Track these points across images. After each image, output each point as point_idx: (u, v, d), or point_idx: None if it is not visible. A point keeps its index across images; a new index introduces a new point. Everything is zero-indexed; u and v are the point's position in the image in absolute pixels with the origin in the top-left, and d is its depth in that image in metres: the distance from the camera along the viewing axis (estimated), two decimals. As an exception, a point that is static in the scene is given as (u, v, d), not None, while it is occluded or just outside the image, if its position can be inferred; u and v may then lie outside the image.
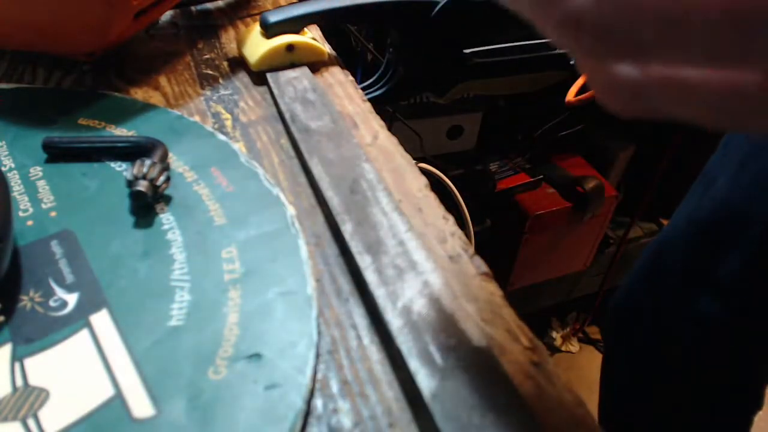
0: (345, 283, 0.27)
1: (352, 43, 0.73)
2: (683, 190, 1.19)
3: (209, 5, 0.50)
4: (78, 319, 0.24)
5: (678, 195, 1.17)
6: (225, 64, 0.43)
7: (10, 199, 0.26)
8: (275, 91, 0.38)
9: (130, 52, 0.43)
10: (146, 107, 0.37)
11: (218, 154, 0.33)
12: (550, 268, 1.12)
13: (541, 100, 0.82)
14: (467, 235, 0.49)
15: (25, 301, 0.25)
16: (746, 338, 0.55)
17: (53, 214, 0.29)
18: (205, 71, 0.42)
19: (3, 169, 0.31)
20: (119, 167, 0.32)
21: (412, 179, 0.33)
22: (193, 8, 0.50)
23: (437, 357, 0.22)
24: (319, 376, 0.23)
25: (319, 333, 0.25)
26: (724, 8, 0.12)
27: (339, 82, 0.41)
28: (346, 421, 0.22)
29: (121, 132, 0.34)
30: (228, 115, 0.37)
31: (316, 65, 0.42)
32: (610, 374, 0.72)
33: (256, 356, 0.23)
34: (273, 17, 0.40)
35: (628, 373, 0.65)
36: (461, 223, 0.58)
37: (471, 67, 0.50)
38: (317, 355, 0.24)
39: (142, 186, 0.28)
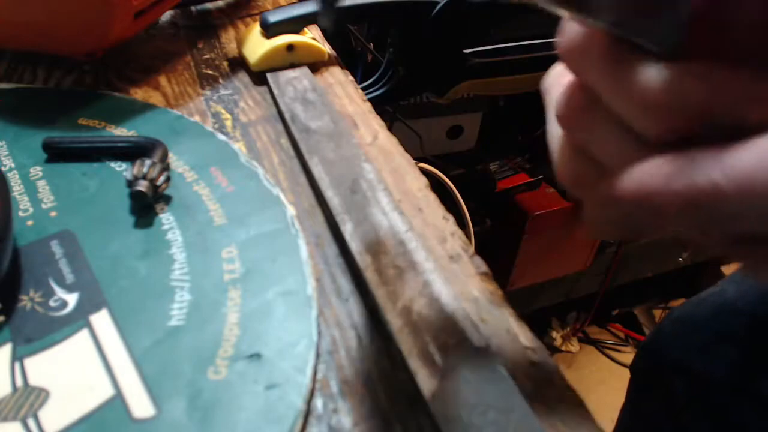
0: (345, 283, 0.27)
1: (352, 43, 0.73)
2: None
3: (209, 5, 0.50)
4: (78, 319, 0.24)
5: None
6: (225, 64, 0.43)
7: (10, 199, 0.26)
8: (275, 91, 0.38)
9: (130, 52, 0.43)
10: (146, 107, 0.37)
11: (218, 154, 0.33)
12: (550, 268, 1.12)
13: (541, 100, 0.82)
14: (467, 235, 0.49)
15: (25, 301, 0.25)
16: None
17: (53, 214, 0.29)
18: (205, 71, 0.42)
19: (3, 169, 0.31)
20: (119, 167, 0.32)
21: (412, 179, 0.33)
22: (193, 8, 0.50)
23: (437, 357, 0.22)
24: (319, 376, 0.23)
25: (319, 333, 0.25)
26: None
27: (339, 82, 0.41)
28: (346, 421, 0.22)
29: (121, 132, 0.34)
30: (228, 115, 0.37)
31: (316, 65, 0.42)
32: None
33: (256, 356, 0.23)
34: (273, 17, 0.40)
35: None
36: (461, 223, 0.57)
37: (471, 67, 0.50)
38: (317, 355, 0.24)
39: (142, 186, 0.28)
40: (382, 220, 0.28)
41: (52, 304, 0.25)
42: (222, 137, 0.34)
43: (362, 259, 0.26)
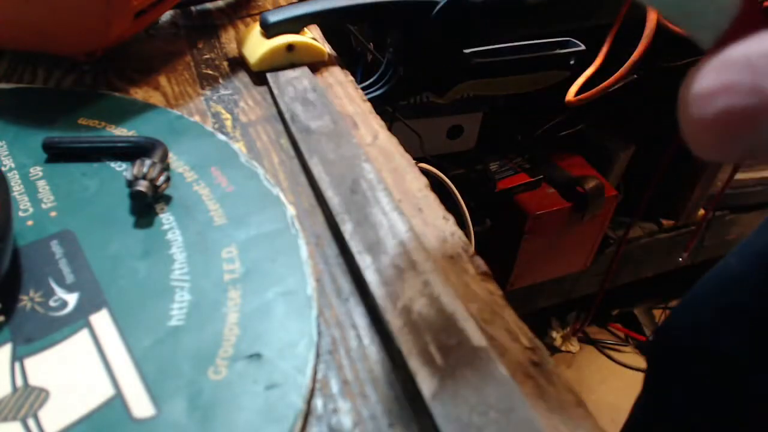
0: (345, 283, 0.27)
1: (352, 43, 0.73)
2: (683, 190, 1.19)
3: (209, 5, 0.50)
4: (78, 319, 0.24)
5: (678, 195, 1.17)
6: (225, 64, 0.43)
7: (10, 199, 0.26)
8: (275, 91, 0.38)
9: (130, 52, 0.43)
10: (146, 107, 0.37)
11: (218, 154, 0.33)
12: (550, 268, 1.12)
13: (541, 100, 0.82)
14: (467, 235, 0.49)
15: (25, 301, 0.25)
16: None
17: (53, 214, 0.29)
18: (205, 71, 0.42)
19: (3, 169, 0.31)
20: (119, 167, 0.32)
21: (412, 179, 0.33)
22: (193, 8, 0.50)
23: (437, 357, 0.22)
24: (319, 376, 0.23)
25: (319, 333, 0.25)
26: None
27: (339, 82, 0.41)
28: (346, 421, 0.22)
29: (121, 132, 0.34)
30: (228, 115, 0.37)
31: (316, 65, 0.42)
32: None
33: (256, 356, 0.23)
34: (273, 17, 0.40)
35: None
36: (461, 223, 0.57)
37: (471, 67, 0.50)
38: (317, 355, 0.24)
39: (142, 186, 0.28)
40: (382, 220, 0.29)
41: (52, 304, 0.25)
42: (222, 137, 0.34)
43: (362, 259, 0.26)
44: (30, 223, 0.28)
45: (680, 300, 0.60)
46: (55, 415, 0.21)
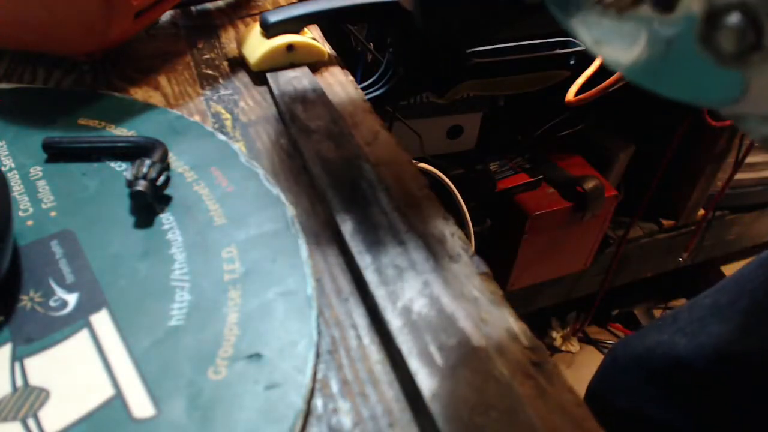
0: (345, 283, 0.27)
1: (352, 43, 0.73)
2: (683, 189, 1.19)
3: (209, 5, 0.50)
4: (78, 319, 0.24)
5: (678, 195, 1.17)
6: (225, 64, 0.43)
7: (10, 199, 0.26)
8: (275, 91, 0.38)
9: (130, 52, 0.43)
10: (146, 107, 0.37)
11: (218, 154, 0.33)
12: (550, 268, 1.12)
13: (541, 100, 0.82)
14: (467, 235, 0.49)
15: (25, 301, 0.25)
16: None
17: (53, 214, 0.29)
18: (205, 71, 0.42)
19: (3, 169, 0.31)
20: (119, 167, 0.32)
21: (412, 179, 0.33)
22: (193, 8, 0.50)
23: (437, 357, 0.22)
24: (319, 376, 0.23)
25: (319, 333, 0.25)
26: None
27: (339, 82, 0.41)
28: (346, 421, 0.22)
29: (121, 132, 0.34)
30: (228, 115, 0.37)
31: (316, 65, 0.42)
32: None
33: (256, 356, 0.23)
34: (273, 17, 0.40)
35: None
36: (461, 223, 0.57)
37: (471, 67, 0.50)
38: (317, 355, 0.24)
39: (142, 186, 0.28)
40: (382, 220, 0.28)
41: (52, 304, 0.25)
42: (222, 137, 0.34)
43: (362, 259, 0.26)
44: (30, 223, 0.28)
45: (613, 358, 0.60)
46: (55, 415, 0.21)
